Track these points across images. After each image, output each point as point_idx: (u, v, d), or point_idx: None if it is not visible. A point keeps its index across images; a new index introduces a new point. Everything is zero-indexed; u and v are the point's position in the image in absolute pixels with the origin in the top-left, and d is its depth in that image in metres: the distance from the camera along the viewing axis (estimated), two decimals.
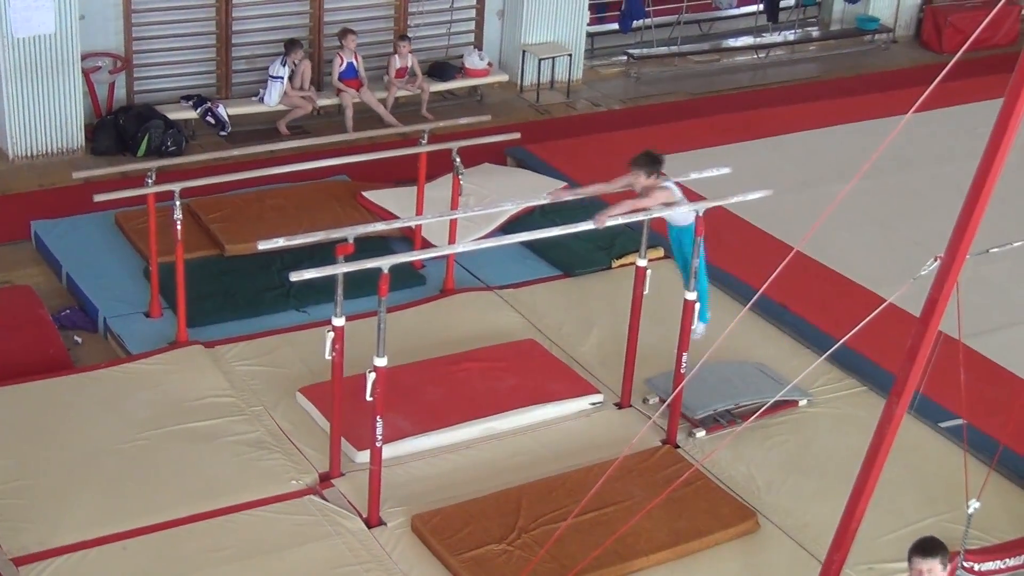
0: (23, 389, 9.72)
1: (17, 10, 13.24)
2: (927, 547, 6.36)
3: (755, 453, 9.59)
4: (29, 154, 13.83)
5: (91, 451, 9.10)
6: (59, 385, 9.82)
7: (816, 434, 9.92)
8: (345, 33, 15.05)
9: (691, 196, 10.63)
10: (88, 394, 9.74)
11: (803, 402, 10.20)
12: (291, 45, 14.86)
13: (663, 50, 18.24)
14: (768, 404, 8.43)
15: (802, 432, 9.93)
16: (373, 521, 8.66)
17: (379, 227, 9.55)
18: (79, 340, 10.81)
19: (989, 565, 8.13)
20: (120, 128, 14.18)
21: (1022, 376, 10.70)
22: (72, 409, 9.54)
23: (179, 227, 10.27)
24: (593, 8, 17.52)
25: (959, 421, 9.32)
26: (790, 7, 19.49)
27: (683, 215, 9.39)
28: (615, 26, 18.20)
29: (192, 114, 14.75)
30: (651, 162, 9.26)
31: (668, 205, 9.28)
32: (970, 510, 7.24)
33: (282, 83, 14.82)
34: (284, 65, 14.81)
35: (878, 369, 10.44)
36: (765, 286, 7.00)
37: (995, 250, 7.78)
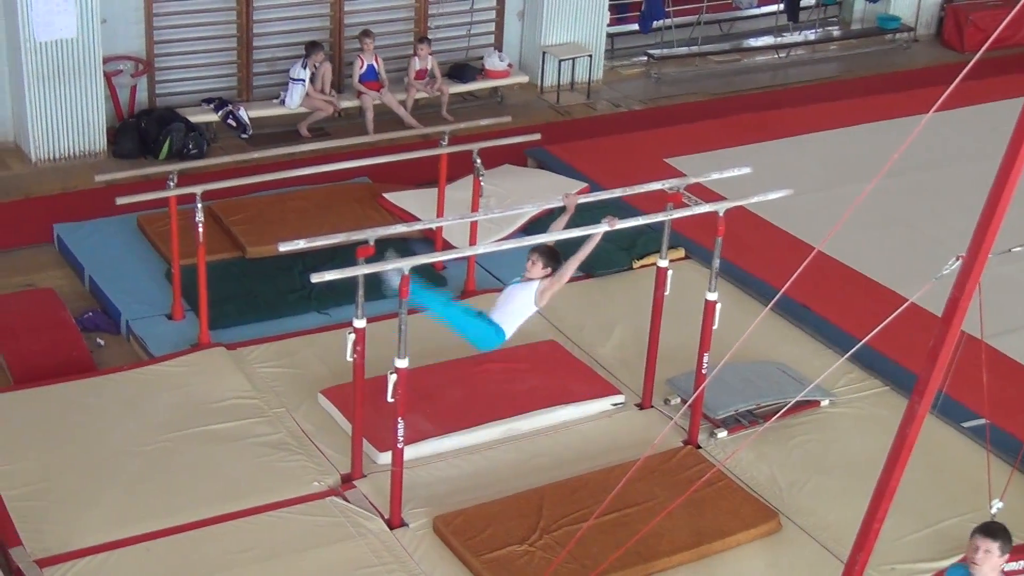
0: (46, 391, 9.76)
1: (39, 14, 13.29)
2: (993, 529, 6.51)
3: (777, 453, 9.58)
4: (52, 157, 13.88)
5: (113, 453, 9.13)
6: (82, 387, 9.86)
7: (838, 434, 9.90)
8: (365, 35, 15.08)
9: (712, 196, 10.63)
10: (110, 396, 9.77)
11: (825, 402, 10.19)
12: (311, 47, 14.89)
13: (683, 50, 18.23)
14: (790, 404, 8.40)
15: (824, 432, 9.91)
16: (395, 522, 8.67)
17: (400, 229, 9.55)
18: (101, 342, 10.85)
19: (1013, 565, 8.09)
20: (142, 131, 14.22)
21: None
22: (94, 411, 9.58)
23: (201, 229, 10.30)
24: (613, 9, 17.50)
25: (982, 421, 9.30)
26: (810, 6, 19.46)
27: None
28: (635, 27, 18.19)
29: (213, 117, 14.79)
30: (551, 256, 8.77)
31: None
32: (993, 510, 7.22)
33: (303, 85, 14.84)
34: (305, 68, 14.84)
35: (900, 369, 10.42)
36: (787, 286, 6.99)
37: (1017, 249, 7.74)
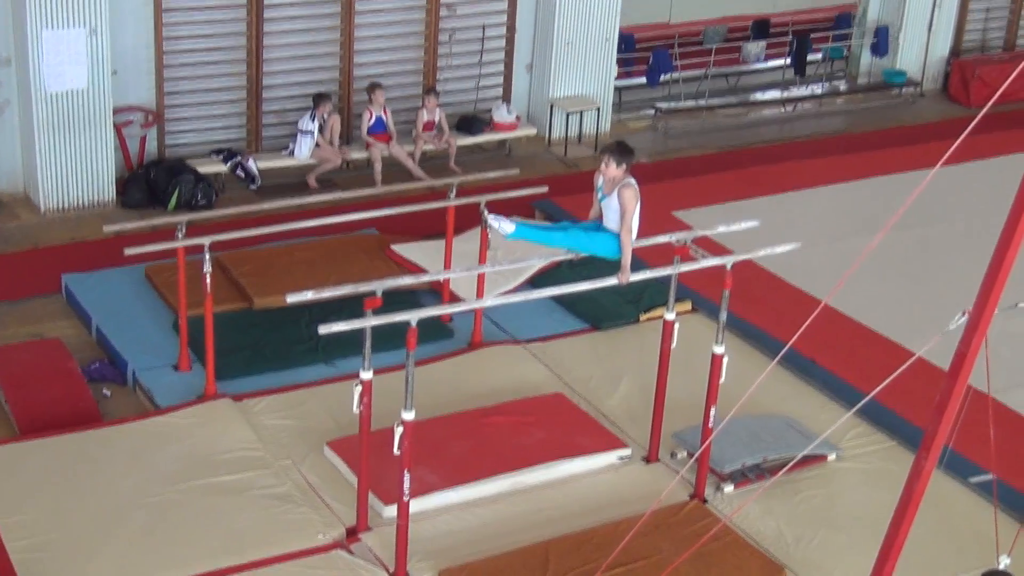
0: (52, 442, 9.75)
1: (51, 65, 13.39)
2: None
3: (784, 508, 9.55)
4: (61, 207, 13.94)
5: (119, 505, 9.11)
6: (88, 438, 9.85)
7: (845, 489, 9.87)
8: (374, 88, 15.16)
9: (719, 249, 10.64)
10: (116, 447, 9.76)
11: (832, 456, 10.16)
12: (319, 99, 14.97)
13: (691, 103, 18.31)
14: (797, 458, 8.37)
15: (831, 487, 9.88)
16: None
17: (407, 280, 9.57)
18: (108, 393, 10.85)
19: None
20: (151, 182, 14.28)
21: None
22: (100, 463, 9.56)
23: (208, 280, 10.33)
24: (621, 62, 17.59)
25: (989, 476, 9.26)
26: (817, 60, 19.55)
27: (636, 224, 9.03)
28: (643, 80, 18.30)
29: (222, 168, 14.85)
30: (624, 152, 8.82)
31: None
32: (1001, 566, 7.18)
33: (312, 137, 14.91)
34: (313, 119, 14.91)
35: (907, 424, 10.39)
36: (794, 339, 6.99)
37: None
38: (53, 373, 10.69)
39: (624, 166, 8.73)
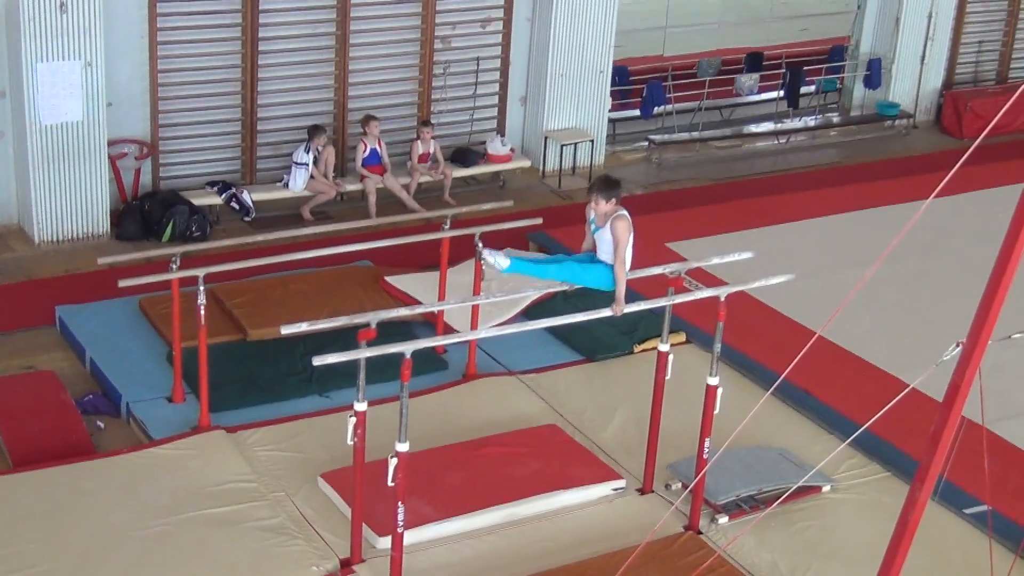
0: (45, 474, 9.73)
1: (46, 98, 13.42)
2: None
3: (778, 539, 9.53)
4: (55, 239, 13.95)
5: (111, 537, 9.08)
6: (81, 470, 9.83)
7: (840, 520, 9.85)
8: (368, 120, 15.19)
9: (714, 281, 10.65)
10: (109, 480, 9.74)
11: (826, 488, 10.15)
12: (314, 131, 15.00)
13: (684, 136, 18.37)
14: (791, 490, 8.37)
15: (826, 518, 9.86)
16: None
17: (402, 312, 9.57)
18: (102, 425, 10.83)
19: None
20: (145, 214, 14.30)
21: None
22: (93, 495, 9.54)
23: (203, 312, 10.32)
24: (615, 94, 17.64)
25: (984, 507, 9.26)
26: (811, 93, 19.62)
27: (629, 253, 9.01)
28: (636, 112, 18.34)
29: (217, 200, 14.86)
30: (610, 186, 8.80)
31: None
32: None
33: (307, 169, 14.94)
34: (308, 151, 14.94)
35: (901, 455, 10.39)
36: (788, 371, 6.99)
37: (1017, 336, 7.76)
38: (46, 405, 10.67)
39: (613, 200, 8.73)
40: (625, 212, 8.75)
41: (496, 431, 10.59)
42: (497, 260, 8.66)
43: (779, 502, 8.14)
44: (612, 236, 8.70)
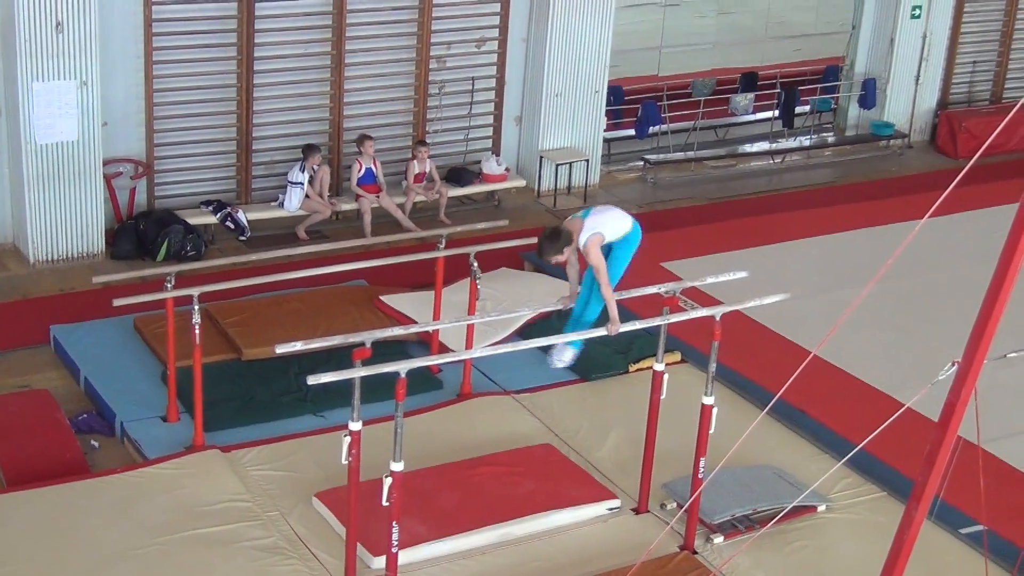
0: (39, 494, 9.70)
1: (41, 117, 13.42)
2: None
3: (774, 559, 9.52)
4: (50, 258, 13.94)
5: (106, 556, 9.06)
6: (75, 490, 9.81)
7: (835, 540, 9.84)
8: (363, 139, 15.20)
9: (709, 300, 10.67)
10: (104, 499, 9.72)
11: (822, 507, 10.13)
12: (309, 150, 15.00)
13: (679, 155, 18.39)
14: (787, 510, 8.37)
15: (821, 538, 9.85)
16: None
17: (396, 331, 9.57)
18: (96, 444, 10.81)
19: None
20: (140, 233, 14.29)
21: None
22: (87, 514, 9.52)
23: (197, 331, 10.31)
24: (610, 114, 17.67)
25: (979, 527, 9.25)
26: (805, 113, 19.64)
27: (617, 231, 9.06)
28: (631, 132, 18.36)
29: (212, 219, 14.86)
30: (553, 239, 8.74)
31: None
32: None
33: (302, 188, 14.95)
34: (303, 171, 14.94)
35: (897, 474, 10.38)
36: (783, 390, 6.99)
37: (1013, 355, 7.75)
38: (41, 424, 10.65)
39: (564, 246, 8.71)
40: (584, 235, 8.72)
41: (491, 450, 10.58)
42: (564, 356, 9.31)
43: (774, 522, 8.15)
44: (590, 263, 8.72)
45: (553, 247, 8.68)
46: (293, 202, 15.01)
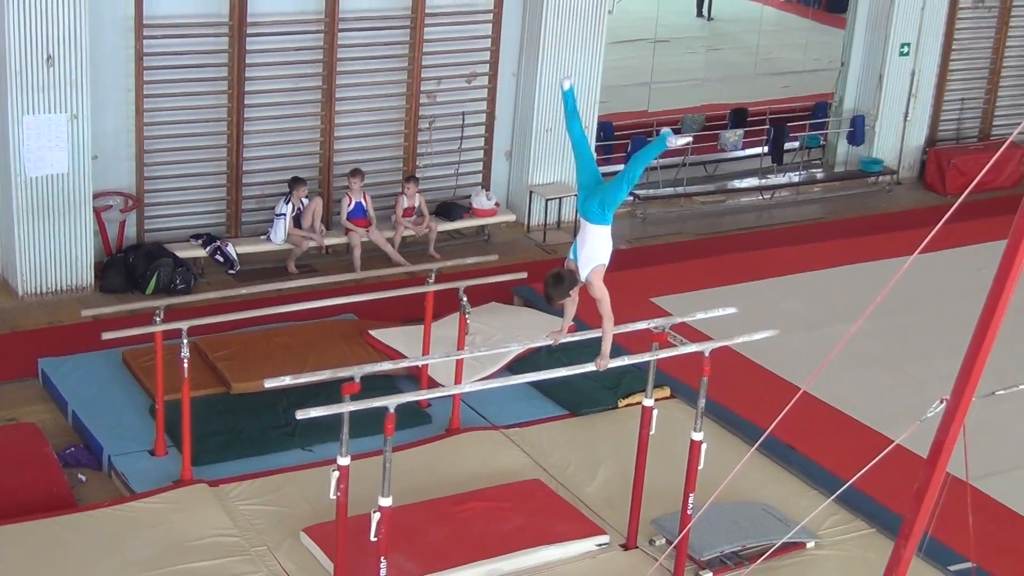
0: (25, 528, 9.66)
1: (31, 150, 13.42)
2: None
3: None
4: (39, 291, 13.91)
5: None
6: (61, 524, 9.76)
7: None
8: (354, 173, 15.23)
9: (698, 336, 10.67)
10: (90, 533, 9.67)
11: (811, 544, 10.12)
12: (294, 183, 15.03)
13: (669, 191, 18.42)
14: (776, 546, 8.36)
15: (810, 574, 9.83)
16: None
17: (385, 366, 9.56)
18: (83, 478, 10.76)
19: None
20: (129, 266, 14.27)
21: None
22: (74, 549, 9.47)
23: (186, 365, 10.29)
24: (600, 149, 17.69)
25: (968, 564, 9.23)
26: (794, 149, 19.70)
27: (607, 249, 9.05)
28: (621, 167, 18.34)
29: (201, 252, 14.85)
30: (558, 283, 8.73)
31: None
32: None
33: (284, 220, 14.96)
34: (288, 203, 14.96)
35: (886, 511, 10.37)
36: (772, 426, 6.99)
37: (1001, 392, 7.76)
38: (28, 458, 10.60)
39: (571, 287, 8.69)
40: (584, 270, 8.69)
41: (480, 486, 10.55)
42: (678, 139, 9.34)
43: (763, 558, 8.13)
44: (595, 298, 8.70)
45: (561, 291, 8.64)
46: (279, 235, 15.03)
